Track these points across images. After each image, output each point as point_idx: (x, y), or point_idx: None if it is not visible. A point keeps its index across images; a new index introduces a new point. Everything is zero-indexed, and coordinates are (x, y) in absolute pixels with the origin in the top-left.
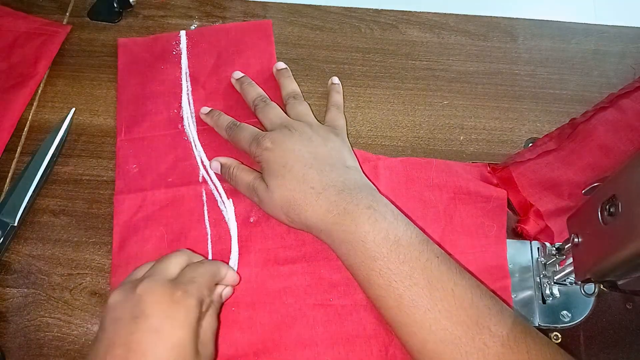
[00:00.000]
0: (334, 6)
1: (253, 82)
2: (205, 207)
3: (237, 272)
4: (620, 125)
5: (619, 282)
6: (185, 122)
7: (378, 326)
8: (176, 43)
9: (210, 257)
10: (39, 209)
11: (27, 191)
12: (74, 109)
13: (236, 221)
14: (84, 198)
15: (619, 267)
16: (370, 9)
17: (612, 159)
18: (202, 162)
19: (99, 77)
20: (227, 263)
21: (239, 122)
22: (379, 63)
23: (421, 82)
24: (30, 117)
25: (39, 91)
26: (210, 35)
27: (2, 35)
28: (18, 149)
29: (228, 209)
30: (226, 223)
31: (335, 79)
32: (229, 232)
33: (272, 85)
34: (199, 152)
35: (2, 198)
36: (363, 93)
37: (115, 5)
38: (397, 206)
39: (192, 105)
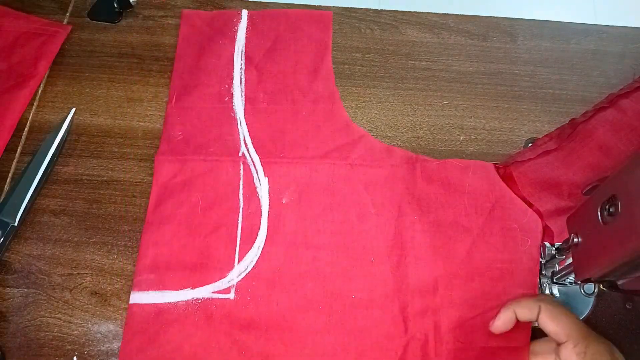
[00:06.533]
0: (334, 6)
1: None
2: (241, 182)
3: (264, 250)
4: (620, 125)
5: (619, 282)
6: (235, 99)
7: (395, 329)
8: (237, 20)
9: (239, 230)
10: (39, 209)
11: (28, 191)
12: (74, 109)
13: (269, 199)
14: (84, 198)
15: (619, 267)
16: (370, 9)
17: (612, 159)
18: (244, 139)
19: (99, 77)
20: (255, 239)
21: None
22: (379, 63)
23: (421, 82)
24: (30, 117)
25: (39, 91)
26: (270, 18)
27: (2, 35)
28: (18, 149)
29: (263, 186)
30: (259, 200)
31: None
32: (261, 209)
33: (319, 77)
34: (243, 129)
35: (2, 198)
36: (363, 93)
37: (115, 5)
38: (430, 210)
39: (243, 83)
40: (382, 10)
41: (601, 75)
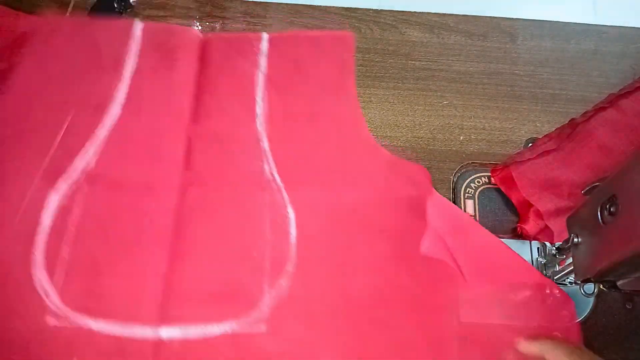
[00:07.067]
0: (334, 6)
1: None
2: (268, 209)
3: (293, 280)
4: (620, 125)
5: (619, 282)
6: (258, 123)
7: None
8: (257, 43)
9: (267, 259)
10: None
11: None
12: None
13: (296, 227)
14: None
15: (619, 267)
16: (370, 9)
17: (612, 159)
18: (269, 165)
19: None
20: (284, 269)
21: None
22: (378, 63)
23: (421, 82)
24: None
25: None
26: (291, 40)
27: (2, 35)
28: None
29: (289, 213)
30: (286, 227)
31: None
32: (288, 237)
33: (343, 100)
34: (267, 155)
35: None
36: (363, 93)
37: (115, 5)
38: (459, 232)
39: (266, 106)
40: (382, 10)
41: (601, 75)
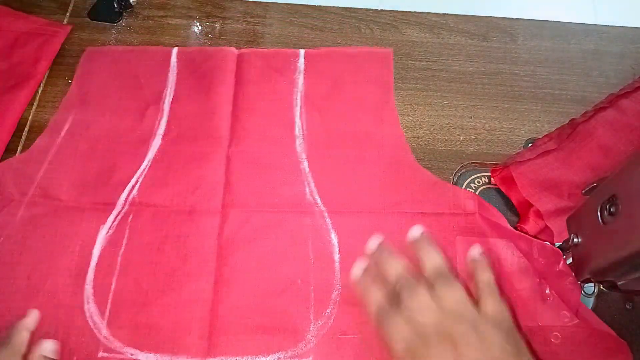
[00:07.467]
0: (334, 6)
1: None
2: (310, 234)
3: (339, 309)
4: (620, 125)
5: (619, 282)
6: (297, 143)
7: None
8: (294, 60)
9: (312, 287)
10: None
11: None
12: None
13: (339, 253)
14: None
15: (619, 267)
16: (370, 9)
17: (611, 159)
18: (310, 188)
19: None
20: (330, 297)
21: (406, 292)
22: None
23: (421, 82)
24: (30, 117)
25: (39, 91)
26: (328, 57)
27: (2, 35)
28: (18, 149)
29: (333, 240)
30: (330, 253)
31: (475, 250)
32: (332, 263)
33: (384, 120)
34: (308, 177)
35: None
36: None
37: (115, 5)
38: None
39: (305, 126)
40: (382, 10)
41: (601, 75)
